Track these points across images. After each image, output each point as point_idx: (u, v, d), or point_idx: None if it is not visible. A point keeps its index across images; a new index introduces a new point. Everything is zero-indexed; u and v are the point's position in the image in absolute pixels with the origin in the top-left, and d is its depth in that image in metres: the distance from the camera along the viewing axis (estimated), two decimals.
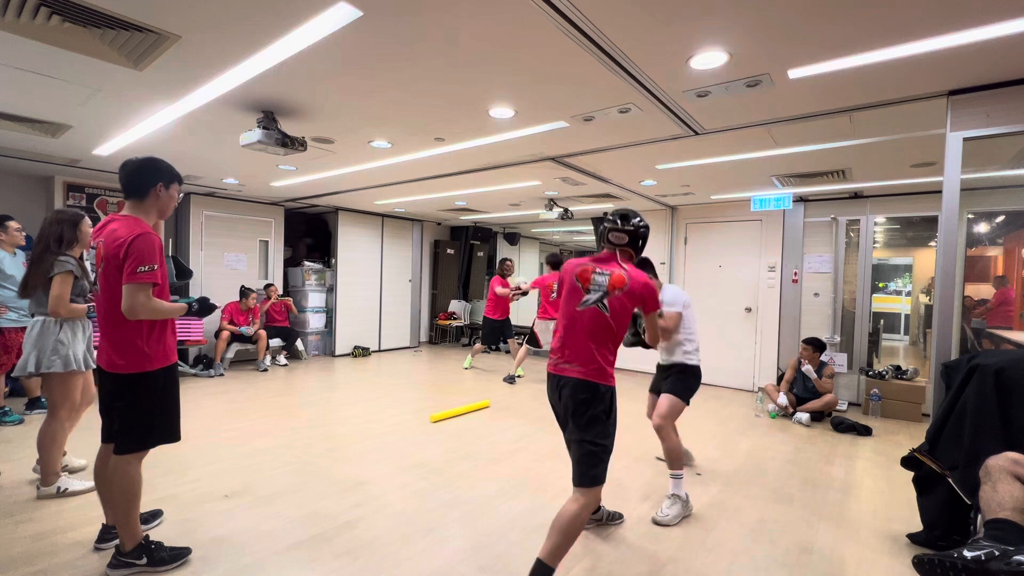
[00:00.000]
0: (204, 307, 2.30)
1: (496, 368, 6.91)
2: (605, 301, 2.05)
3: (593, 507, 1.98)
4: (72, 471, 2.96)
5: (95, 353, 2.58)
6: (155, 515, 2.47)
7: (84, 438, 3.33)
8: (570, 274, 2.16)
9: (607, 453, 2.01)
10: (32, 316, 2.74)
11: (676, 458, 2.76)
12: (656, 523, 2.61)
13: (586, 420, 2.00)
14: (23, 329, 3.97)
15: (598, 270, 2.11)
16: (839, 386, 5.33)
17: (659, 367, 3.13)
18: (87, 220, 2.79)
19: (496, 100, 2.87)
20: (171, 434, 2.13)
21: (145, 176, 2.08)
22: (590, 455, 1.98)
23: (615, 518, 2.63)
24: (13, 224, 3.92)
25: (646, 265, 2.91)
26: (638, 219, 2.21)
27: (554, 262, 6.09)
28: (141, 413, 2.03)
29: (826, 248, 5.52)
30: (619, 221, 2.19)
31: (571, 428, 2.05)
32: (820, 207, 5.54)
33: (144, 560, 2.05)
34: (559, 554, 1.92)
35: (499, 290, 6.29)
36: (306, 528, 2.45)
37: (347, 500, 2.76)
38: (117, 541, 2.10)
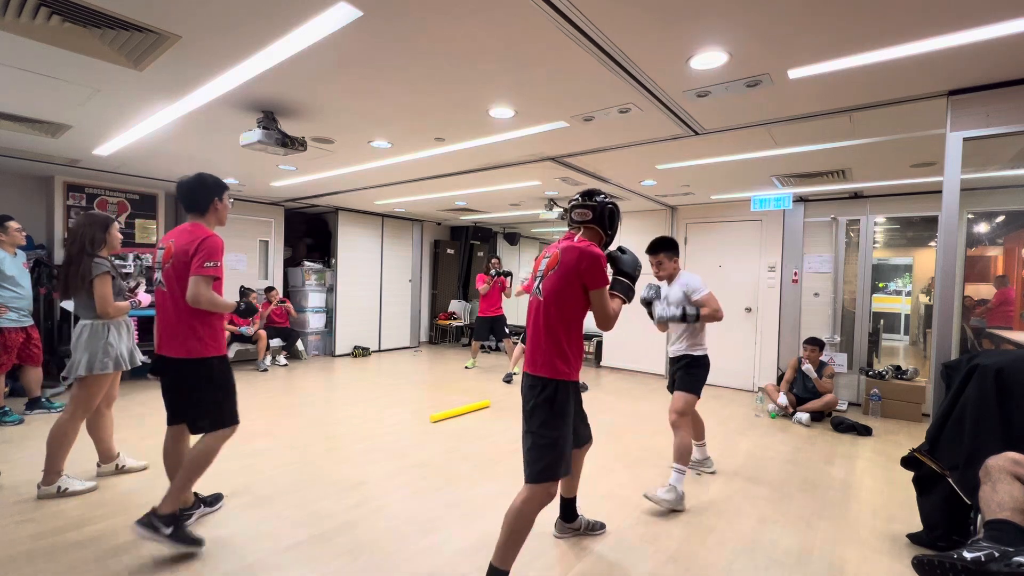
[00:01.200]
0: (248, 309, 2.69)
1: (496, 367, 6.91)
2: (540, 285, 1.97)
3: (539, 505, 1.88)
4: (129, 470, 3.04)
5: (137, 353, 2.88)
6: (217, 499, 2.66)
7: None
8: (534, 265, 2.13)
9: (552, 448, 1.88)
10: (77, 320, 2.83)
11: (684, 454, 2.81)
12: (646, 497, 2.74)
13: (529, 410, 1.93)
14: (22, 329, 3.98)
15: (546, 255, 2.04)
16: (839, 386, 5.32)
17: (671, 359, 3.13)
18: (116, 224, 2.91)
19: (496, 100, 2.87)
20: (236, 415, 2.38)
21: (202, 195, 2.36)
22: (533, 447, 1.90)
23: (595, 528, 2.50)
24: (13, 224, 3.93)
25: (669, 245, 3.01)
26: (602, 196, 2.06)
27: None
28: (214, 395, 2.29)
29: (826, 248, 5.52)
30: (581, 197, 2.06)
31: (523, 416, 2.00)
32: (820, 207, 5.54)
33: (170, 530, 2.16)
34: (507, 553, 1.86)
35: (480, 287, 6.61)
36: (306, 528, 2.45)
37: (347, 500, 2.76)
38: (197, 514, 2.40)
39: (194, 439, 2.34)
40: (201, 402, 2.28)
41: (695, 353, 2.98)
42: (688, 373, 2.96)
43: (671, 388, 3.11)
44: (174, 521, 2.17)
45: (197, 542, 2.21)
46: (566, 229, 2.17)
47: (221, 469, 3.11)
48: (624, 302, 2.05)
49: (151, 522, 2.14)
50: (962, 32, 2.02)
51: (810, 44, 2.15)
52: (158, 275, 2.33)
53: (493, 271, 6.64)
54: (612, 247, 2.14)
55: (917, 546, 2.43)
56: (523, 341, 6.03)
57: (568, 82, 2.60)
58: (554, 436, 1.89)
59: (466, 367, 6.82)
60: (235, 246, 6.73)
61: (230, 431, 2.34)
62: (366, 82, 2.66)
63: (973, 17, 1.93)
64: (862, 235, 5.34)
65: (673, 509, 2.73)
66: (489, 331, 6.69)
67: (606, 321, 1.93)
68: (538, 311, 1.96)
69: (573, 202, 2.09)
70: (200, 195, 2.35)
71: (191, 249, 2.20)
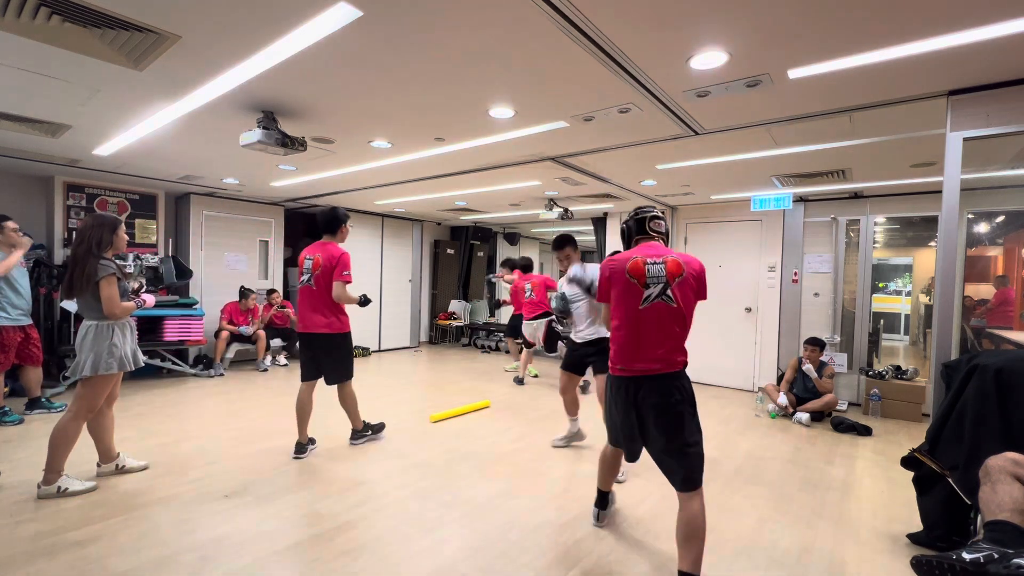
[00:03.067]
0: (366, 301, 3.58)
1: (494, 368, 6.90)
2: (669, 292, 1.97)
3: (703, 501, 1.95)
4: (129, 470, 3.03)
5: (140, 353, 2.96)
6: (381, 427, 3.81)
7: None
8: (619, 272, 2.04)
9: (702, 445, 1.98)
10: (79, 321, 2.87)
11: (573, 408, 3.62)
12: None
13: (678, 419, 1.93)
14: (20, 328, 3.98)
15: (650, 260, 2.01)
16: (839, 386, 5.32)
17: (577, 344, 3.42)
18: (123, 226, 2.92)
19: (496, 100, 2.87)
20: (352, 371, 3.53)
21: (335, 223, 3.44)
22: (691, 456, 1.93)
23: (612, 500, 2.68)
24: (10, 224, 3.93)
25: (572, 241, 3.49)
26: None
27: (523, 265, 6.25)
28: (346, 357, 3.46)
29: (826, 248, 5.52)
30: (652, 210, 2.18)
31: (660, 433, 1.95)
32: (820, 207, 5.54)
33: (370, 432, 3.70)
34: (701, 559, 1.89)
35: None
36: (306, 528, 2.45)
37: (347, 500, 2.76)
38: (310, 449, 3.44)
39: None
40: (338, 361, 3.41)
41: (606, 334, 3.05)
42: (606, 356, 2.89)
43: (571, 368, 3.52)
44: (368, 428, 3.70)
45: (382, 427, 3.80)
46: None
47: (221, 468, 3.12)
48: None
49: (359, 435, 3.64)
50: (962, 32, 2.02)
51: (810, 44, 2.15)
52: (305, 277, 3.34)
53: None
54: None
55: (917, 546, 2.43)
56: (522, 342, 6.08)
57: (568, 82, 2.60)
58: (702, 436, 2.00)
59: (533, 376, 6.38)
60: (235, 246, 6.72)
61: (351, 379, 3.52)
62: (366, 82, 2.66)
63: (973, 17, 1.93)
64: (862, 235, 5.34)
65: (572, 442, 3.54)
66: (517, 331, 6.49)
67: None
68: (672, 317, 1.97)
69: (647, 213, 2.17)
70: (335, 223, 3.43)
71: (334, 263, 3.28)
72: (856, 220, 5.37)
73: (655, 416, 1.96)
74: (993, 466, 1.86)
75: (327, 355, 3.37)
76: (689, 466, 1.93)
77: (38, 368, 4.15)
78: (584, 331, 3.38)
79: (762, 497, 2.96)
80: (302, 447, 3.38)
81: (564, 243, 3.54)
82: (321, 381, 3.46)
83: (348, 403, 3.54)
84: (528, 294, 5.78)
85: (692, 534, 1.88)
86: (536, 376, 6.38)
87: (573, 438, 3.74)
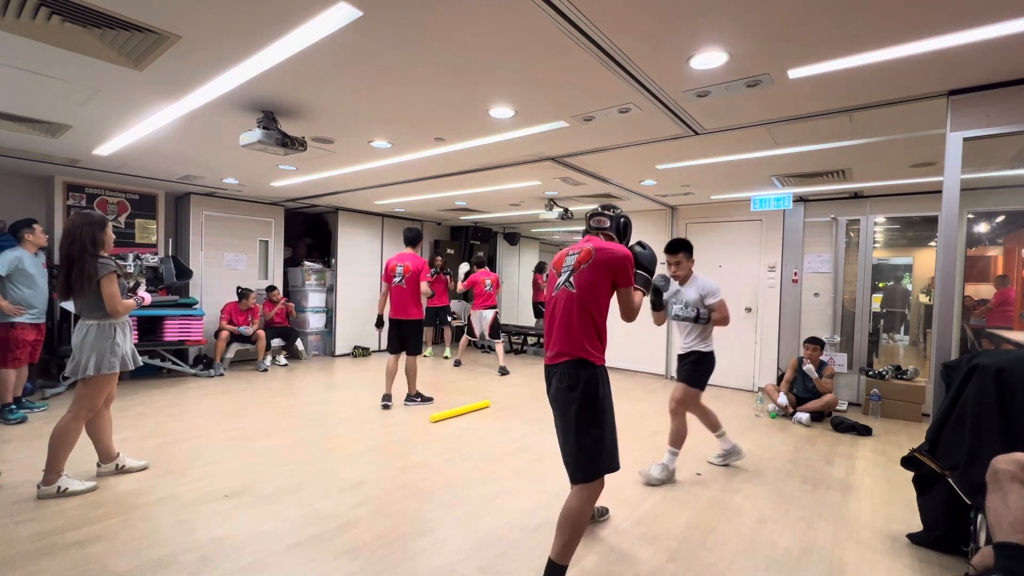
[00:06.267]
0: (437, 273, 6.05)
1: (495, 366, 6.90)
2: (571, 279, 2.03)
3: (595, 499, 1.94)
4: (128, 470, 3.02)
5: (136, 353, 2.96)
6: (602, 512, 2.66)
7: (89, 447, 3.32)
8: (552, 264, 2.20)
9: (602, 442, 1.93)
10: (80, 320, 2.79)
11: (678, 439, 3.15)
12: (641, 475, 3.10)
13: (571, 407, 1.94)
14: (35, 326, 4.03)
15: (570, 252, 2.12)
16: (839, 386, 5.32)
17: (679, 356, 3.34)
18: (110, 224, 2.86)
19: (496, 100, 2.87)
20: (422, 348, 4.83)
21: (418, 239, 4.80)
22: (579, 449, 1.93)
23: (601, 514, 2.63)
24: (39, 227, 4.07)
25: (687, 246, 3.20)
26: (618, 210, 2.26)
27: (478, 262, 7.23)
28: (418, 336, 4.72)
29: (826, 248, 5.52)
30: (600, 208, 2.25)
31: (559, 419, 2.02)
32: (820, 207, 5.54)
33: (419, 399, 4.78)
34: (569, 551, 1.90)
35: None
36: (306, 528, 2.45)
37: (347, 500, 2.76)
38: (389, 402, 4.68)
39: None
40: (414, 339, 4.68)
41: (703, 349, 3.16)
42: (693, 367, 3.16)
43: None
44: (419, 396, 4.79)
45: (430, 399, 4.84)
46: (566, 229, 2.28)
47: (221, 468, 3.12)
48: (644, 294, 2.18)
49: (411, 399, 4.77)
50: (962, 32, 2.02)
51: (810, 44, 2.15)
52: (397, 279, 4.66)
53: (435, 269, 7.43)
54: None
55: (917, 546, 2.43)
56: (467, 332, 6.89)
57: (568, 82, 2.60)
58: (601, 431, 1.93)
59: (425, 355, 7.72)
60: (235, 246, 6.72)
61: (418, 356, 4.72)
62: (366, 82, 2.66)
63: (973, 17, 1.93)
64: (862, 235, 5.34)
65: (663, 483, 3.07)
66: (435, 318, 7.74)
67: (630, 314, 2.08)
68: (569, 302, 2.02)
69: (592, 211, 2.26)
70: (417, 239, 4.80)
71: (419, 269, 4.65)
72: (856, 220, 5.37)
73: (552, 403, 2.06)
74: (1003, 470, 1.74)
75: (410, 333, 4.64)
76: (576, 460, 1.95)
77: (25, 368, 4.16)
78: (683, 342, 3.25)
79: (762, 497, 2.96)
80: (387, 397, 4.65)
81: (678, 248, 3.17)
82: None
83: (411, 372, 4.72)
84: (487, 287, 6.81)
85: (562, 523, 1.91)
86: (427, 355, 7.79)
87: (730, 456, 3.47)
